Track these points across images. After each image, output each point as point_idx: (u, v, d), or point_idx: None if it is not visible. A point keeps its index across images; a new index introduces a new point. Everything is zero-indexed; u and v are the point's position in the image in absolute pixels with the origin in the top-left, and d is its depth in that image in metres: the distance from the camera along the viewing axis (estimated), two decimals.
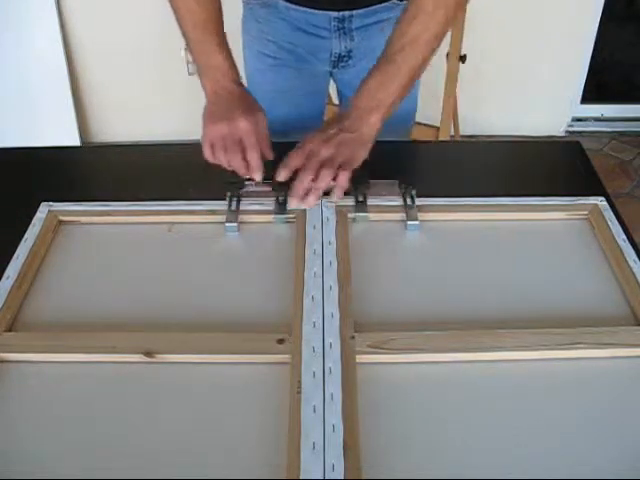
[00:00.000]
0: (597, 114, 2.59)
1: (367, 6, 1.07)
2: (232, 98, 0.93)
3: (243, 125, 0.89)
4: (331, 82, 1.27)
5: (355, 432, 0.61)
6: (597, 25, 2.32)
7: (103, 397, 0.66)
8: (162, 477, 0.59)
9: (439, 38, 0.88)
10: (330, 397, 0.64)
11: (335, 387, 0.65)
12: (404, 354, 0.69)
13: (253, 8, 1.13)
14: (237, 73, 0.95)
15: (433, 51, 0.89)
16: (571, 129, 2.56)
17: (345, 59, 1.14)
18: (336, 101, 1.44)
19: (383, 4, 1.07)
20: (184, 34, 0.96)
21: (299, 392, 0.64)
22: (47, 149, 1.11)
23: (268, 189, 0.90)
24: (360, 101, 0.88)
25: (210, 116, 0.93)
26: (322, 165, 0.84)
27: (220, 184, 0.90)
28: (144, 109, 2.43)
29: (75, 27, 2.25)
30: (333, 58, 1.14)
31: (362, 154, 0.87)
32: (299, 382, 0.65)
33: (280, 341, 0.70)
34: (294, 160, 0.85)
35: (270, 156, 0.90)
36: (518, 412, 0.65)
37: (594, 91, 2.55)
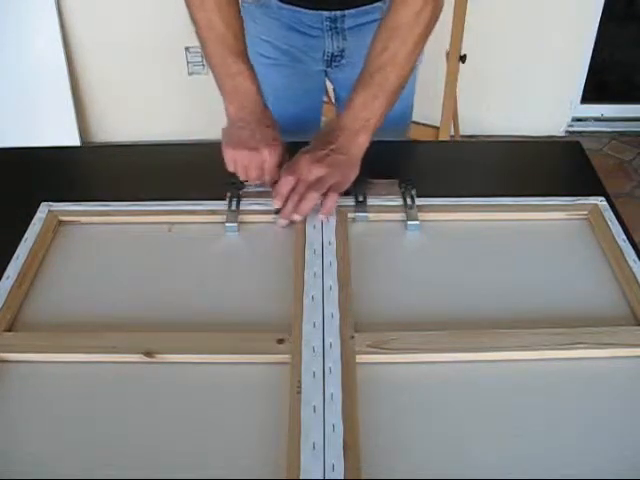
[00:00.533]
0: (597, 114, 2.59)
1: (358, 6, 1.07)
2: (258, 125, 0.91)
3: (266, 157, 0.89)
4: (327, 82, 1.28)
5: (355, 432, 0.61)
6: (597, 25, 2.32)
7: (103, 397, 0.66)
8: (162, 477, 0.59)
9: (418, 51, 0.89)
10: (330, 397, 0.64)
11: (335, 387, 0.65)
12: (404, 354, 0.69)
13: (249, 8, 1.13)
14: (262, 95, 0.93)
15: (413, 64, 0.90)
16: (571, 129, 2.56)
17: (338, 58, 1.15)
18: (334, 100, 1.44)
19: (375, 4, 1.07)
20: (206, 53, 0.93)
21: (299, 392, 0.64)
22: (47, 149, 1.11)
23: (268, 189, 0.90)
24: (347, 122, 0.89)
25: (233, 141, 0.91)
26: (310, 186, 0.85)
27: (220, 184, 0.90)
28: (144, 109, 2.43)
29: (75, 27, 2.25)
30: (326, 57, 1.15)
31: (352, 176, 0.88)
32: (299, 382, 0.65)
33: (280, 341, 0.70)
34: (285, 187, 0.85)
35: None
36: (518, 412, 0.65)
37: (594, 91, 2.54)
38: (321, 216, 0.86)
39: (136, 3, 2.20)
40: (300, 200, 0.84)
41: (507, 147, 1.13)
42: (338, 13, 1.07)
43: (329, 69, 1.19)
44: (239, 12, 0.94)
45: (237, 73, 0.91)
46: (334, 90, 1.29)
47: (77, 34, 2.27)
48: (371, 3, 1.07)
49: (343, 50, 1.13)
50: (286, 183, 0.85)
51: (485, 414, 0.65)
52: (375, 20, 1.07)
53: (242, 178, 0.92)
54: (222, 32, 0.90)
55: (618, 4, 2.53)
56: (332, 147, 0.87)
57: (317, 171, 0.85)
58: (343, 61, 1.15)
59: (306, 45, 1.13)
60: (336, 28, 1.09)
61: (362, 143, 0.88)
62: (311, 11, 1.07)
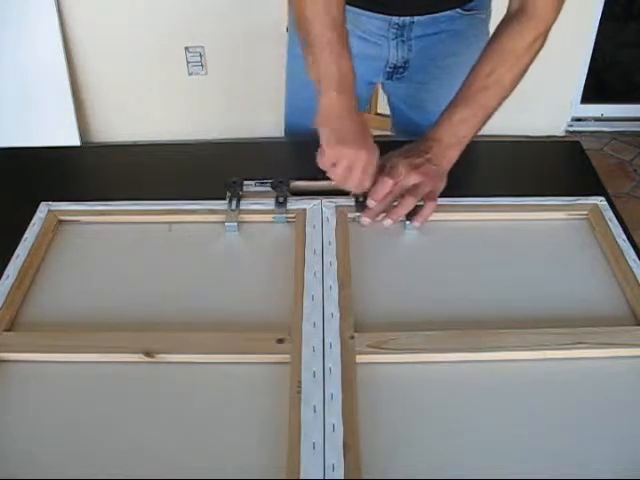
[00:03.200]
0: (597, 114, 2.59)
1: (429, 13, 1.02)
2: (360, 119, 0.87)
3: (372, 159, 0.85)
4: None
5: (355, 432, 0.61)
6: (597, 25, 2.32)
7: (103, 397, 0.66)
8: (162, 477, 0.59)
9: (523, 76, 0.90)
10: (330, 397, 0.64)
11: (335, 387, 0.65)
12: (404, 354, 0.69)
13: None
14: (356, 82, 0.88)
15: (515, 87, 0.90)
16: (571, 129, 2.56)
17: (401, 70, 1.10)
18: (381, 110, 1.39)
19: (446, 12, 1.03)
20: (312, 36, 0.84)
21: (299, 392, 0.64)
22: (47, 149, 1.11)
23: (268, 189, 0.90)
24: (443, 135, 0.89)
25: (338, 135, 0.84)
26: (408, 192, 0.86)
27: (220, 184, 0.90)
28: (144, 109, 2.43)
29: (75, 27, 2.25)
30: (388, 69, 1.10)
31: (441, 187, 0.89)
32: (299, 382, 0.65)
33: (280, 341, 0.70)
34: (384, 188, 0.85)
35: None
36: (518, 412, 0.65)
37: (594, 91, 2.55)
38: (416, 224, 0.86)
39: (136, 3, 2.20)
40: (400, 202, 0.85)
41: (507, 147, 1.13)
42: (407, 19, 1.02)
43: (388, 81, 1.14)
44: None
45: (346, 56, 0.85)
46: (389, 102, 1.23)
47: (77, 34, 2.27)
48: (443, 11, 1.03)
49: (407, 61, 1.09)
50: (385, 186, 0.85)
51: (485, 414, 0.65)
52: (443, 31, 1.05)
53: (337, 181, 0.86)
54: (335, 16, 0.84)
55: (618, 4, 2.53)
56: (427, 156, 0.88)
57: (414, 178, 0.86)
58: (405, 73, 1.11)
59: (368, 54, 1.07)
60: (402, 36, 1.05)
61: (453, 158, 0.90)
62: (379, 15, 1.02)
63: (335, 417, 0.62)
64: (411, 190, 0.86)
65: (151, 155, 1.08)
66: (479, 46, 1.11)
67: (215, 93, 2.40)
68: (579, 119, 2.57)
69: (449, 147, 0.89)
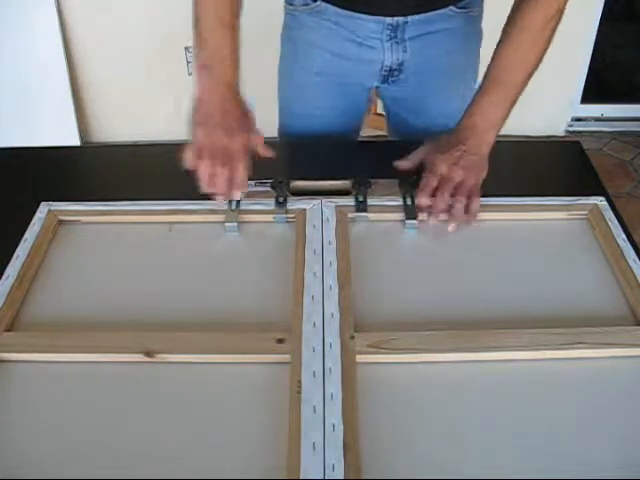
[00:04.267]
0: (597, 114, 2.59)
1: (423, 12, 1.01)
2: (232, 103, 0.87)
3: (241, 140, 0.85)
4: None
5: (355, 432, 0.61)
6: (597, 25, 2.32)
7: (103, 397, 0.66)
8: (162, 477, 0.59)
9: (545, 52, 0.90)
10: (330, 397, 0.64)
11: (335, 387, 0.65)
12: (404, 354, 0.69)
13: (298, 16, 1.06)
14: (239, 76, 0.91)
15: (539, 63, 0.90)
16: (571, 129, 2.56)
17: (396, 73, 1.08)
18: (380, 110, 1.39)
19: (440, 11, 1.01)
20: (197, 18, 0.87)
21: (299, 392, 0.64)
22: (47, 149, 1.11)
23: (268, 189, 0.90)
24: (477, 121, 0.90)
25: (204, 119, 0.86)
26: (455, 189, 0.86)
27: None
28: (144, 109, 2.43)
29: (75, 27, 2.25)
30: (384, 72, 1.09)
31: (483, 175, 0.89)
32: (299, 382, 0.65)
33: (280, 341, 0.70)
34: (431, 184, 0.86)
35: (267, 153, 0.88)
36: (518, 412, 0.65)
37: (594, 91, 2.55)
38: (468, 223, 0.86)
39: (136, 3, 2.20)
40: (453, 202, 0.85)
41: (507, 147, 1.13)
42: (400, 20, 1.01)
43: (384, 85, 1.12)
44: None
45: (224, 45, 0.88)
46: (384, 105, 1.22)
47: (77, 34, 2.27)
48: (438, 9, 1.02)
49: (402, 63, 1.07)
50: (431, 180, 0.86)
51: (485, 414, 0.65)
52: (438, 30, 1.03)
53: (203, 178, 0.85)
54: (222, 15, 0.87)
55: (618, 4, 2.53)
56: (464, 148, 0.88)
57: (457, 173, 0.86)
58: (401, 76, 1.09)
59: (363, 58, 1.06)
60: (396, 37, 1.03)
61: (490, 141, 0.90)
62: (372, 17, 1.01)
63: (335, 417, 0.62)
64: (457, 187, 0.86)
65: (151, 155, 1.08)
66: (473, 44, 1.11)
67: None
68: (579, 119, 2.57)
69: (485, 132, 0.89)
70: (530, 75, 0.90)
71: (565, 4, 0.88)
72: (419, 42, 1.04)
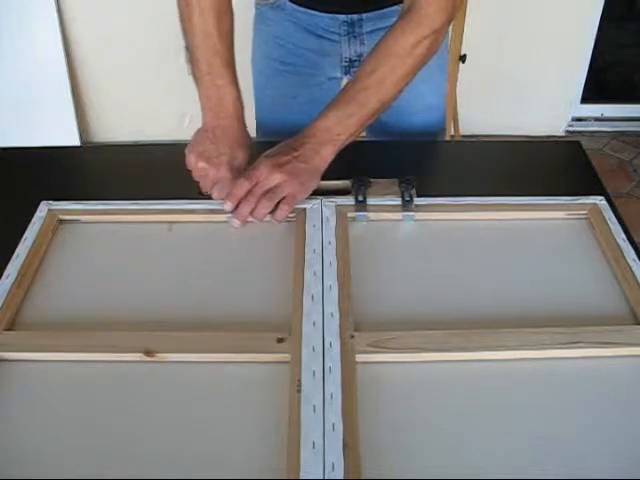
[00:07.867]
0: (597, 114, 2.59)
1: (376, 9, 1.03)
2: (226, 142, 0.90)
3: (222, 176, 0.88)
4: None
5: (355, 432, 0.61)
6: (597, 25, 2.32)
7: (103, 396, 0.66)
8: (162, 477, 0.59)
9: (407, 80, 0.88)
10: (330, 396, 0.64)
11: (335, 386, 0.65)
12: (404, 354, 0.69)
13: (262, 10, 1.10)
14: (243, 114, 0.92)
15: (398, 91, 0.88)
16: (571, 129, 2.56)
17: (356, 64, 1.11)
18: None
19: (393, 7, 1.03)
20: (194, 58, 0.91)
21: (299, 391, 0.64)
22: (47, 149, 1.11)
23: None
24: (317, 132, 0.87)
25: (197, 150, 0.90)
26: (266, 192, 0.84)
27: None
28: (144, 109, 2.43)
29: (75, 27, 2.25)
30: (344, 63, 1.11)
31: (311, 185, 0.87)
32: (299, 381, 0.65)
33: (280, 340, 0.70)
34: (240, 190, 0.84)
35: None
36: (518, 411, 0.65)
37: (594, 91, 2.55)
38: (274, 221, 0.85)
39: (136, 3, 2.20)
40: (256, 204, 0.84)
41: (507, 147, 1.13)
42: (355, 17, 1.03)
43: (346, 76, 1.15)
44: (233, 23, 0.92)
45: (223, 85, 0.90)
46: None
47: (77, 34, 2.27)
48: (389, 6, 1.03)
49: (361, 55, 1.09)
50: (241, 188, 0.84)
51: (485, 413, 0.65)
52: None
53: (195, 173, 0.91)
54: (216, 42, 0.89)
55: (618, 4, 2.53)
56: (295, 154, 0.85)
57: (276, 177, 0.84)
58: None
59: (323, 50, 1.09)
60: (354, 32, 1.05)
61: (326, 156, 0.87)
62: (327, 14, 1.03)
63: (335, 416, 0.62)
64: (271, 190, 0.84)
65: (151, 155, 1.08)
66: None
67: None
68: (579, 119, 2.57)
69: (322, 144, 0.86)
70: (386, 99, 0.88)
71: (444, 24, 0.86)
72: (377, 35, 1.04)
